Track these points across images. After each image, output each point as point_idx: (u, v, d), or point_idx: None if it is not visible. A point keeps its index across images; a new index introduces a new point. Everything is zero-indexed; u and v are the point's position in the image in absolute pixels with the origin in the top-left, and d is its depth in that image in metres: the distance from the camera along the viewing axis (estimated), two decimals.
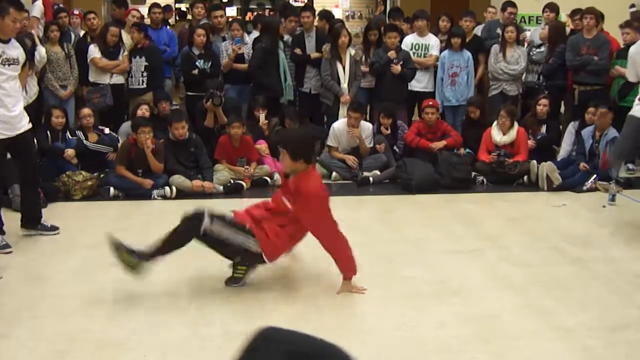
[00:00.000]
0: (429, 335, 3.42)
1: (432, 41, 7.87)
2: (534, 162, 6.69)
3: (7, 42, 4.57)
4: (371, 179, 6.79)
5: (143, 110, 6.88)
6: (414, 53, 7.73)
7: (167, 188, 6.17)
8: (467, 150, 7.20)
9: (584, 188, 6.49)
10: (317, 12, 8.28)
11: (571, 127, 7.18)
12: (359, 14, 13.07)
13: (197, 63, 7.43)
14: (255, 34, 7.99)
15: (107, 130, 6.91)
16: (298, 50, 7.63)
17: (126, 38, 7.55)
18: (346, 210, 5.39)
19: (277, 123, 7.33)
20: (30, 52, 5.94)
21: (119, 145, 6.66)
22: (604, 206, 5.98)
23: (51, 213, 5.39)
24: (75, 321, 3.54)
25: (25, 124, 4.73)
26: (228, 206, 4.28)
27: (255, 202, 4.13)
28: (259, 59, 7.38)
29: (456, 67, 7.69)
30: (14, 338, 3.36)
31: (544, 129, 7.24)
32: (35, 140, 5.42)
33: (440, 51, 7.82)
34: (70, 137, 6.65)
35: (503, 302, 3.84)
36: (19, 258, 4.54)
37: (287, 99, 7.61)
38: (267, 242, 3.81)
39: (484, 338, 3.39)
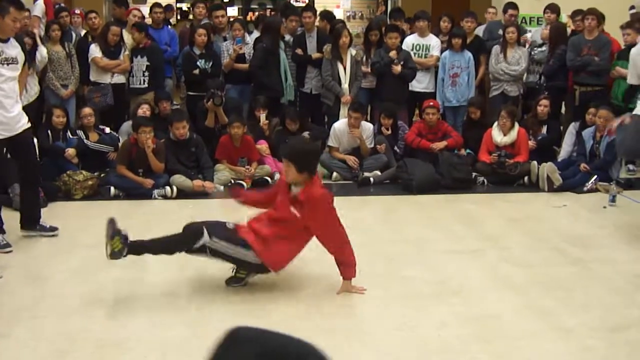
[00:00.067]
0: (429, 335, 3.42)
1: (433, 42, 7.87)
2: (535, 162, 6.68)
3: (5, 41, 4.56)
4: (372, 179, 6.78)
5: (144, 110, 6.87)
6: (414, 53, 7.72)
7: (167, 188, 6.17)
8: (468, 150, 7.20)
9: (585, 189, 6.49)
10: (318, 13, 8.28)
11: (572, 128, 7.18)
12: (360, 14, 13.06)
13: (198, 63, 7.43)
14: (257, 34, 7.99)
15: (107, 130, 6.91)
16: (299, 51, 7.63)
17: (127, 37, 7.55)
18: (347, 211, 5.34)
19: (277, 123, 7.33)
20: (31, 52, 5.94)
21: (120, 144, 6.65)
22: (604, 207, 5.98)
23: (51, 212, 5.39)
24: (75, 321, 3.54)
25: (24, 124, 4.72)
26: (228, 206, 4.27)
27: (257, 215, 4.00)
28: (260, 59, 7.38)
29: (457, 68, 7.69)
30: (14, 338, 3.36)
31: (544, 129, 7.24)
32: (35, 140, 5.42)
33: (441, 52, 7.81)
34: (71, 136, 6.65)
35: (504, 303, 3.83)
36: (19, 257, 4.54)
37: (288, 99, 7.61)
38: (271, 254, 3.80)
39: (484, 338, 3.39)
